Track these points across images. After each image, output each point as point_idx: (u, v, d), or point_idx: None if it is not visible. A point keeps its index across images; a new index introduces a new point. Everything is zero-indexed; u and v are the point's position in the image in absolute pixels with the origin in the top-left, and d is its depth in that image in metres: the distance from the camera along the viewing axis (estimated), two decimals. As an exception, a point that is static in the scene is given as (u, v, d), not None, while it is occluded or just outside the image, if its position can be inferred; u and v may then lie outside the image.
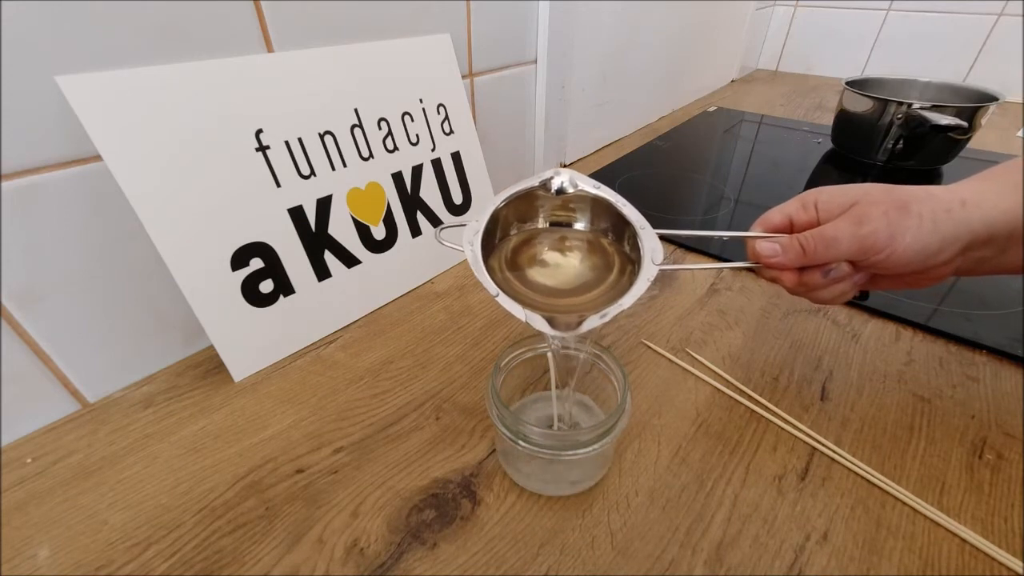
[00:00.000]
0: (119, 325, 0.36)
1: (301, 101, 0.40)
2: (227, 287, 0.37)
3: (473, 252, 0.28)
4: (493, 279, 0.27)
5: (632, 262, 0.29)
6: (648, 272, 0.27)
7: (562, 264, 0.32)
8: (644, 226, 0.29)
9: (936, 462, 0.33)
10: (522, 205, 0.31)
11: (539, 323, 0.26)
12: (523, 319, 0.26)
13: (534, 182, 0.30)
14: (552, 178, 0.30)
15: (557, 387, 0.33)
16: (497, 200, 0.30)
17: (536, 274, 0.30)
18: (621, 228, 0.31)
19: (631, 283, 0.27)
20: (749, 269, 0.33)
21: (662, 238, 0.29)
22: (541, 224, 0.32)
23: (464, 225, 0.29)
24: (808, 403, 0.37)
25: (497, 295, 0.26)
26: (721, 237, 0.34)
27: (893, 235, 0.27)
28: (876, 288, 0.32)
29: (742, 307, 0.47)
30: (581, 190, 0.30)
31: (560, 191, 0.30)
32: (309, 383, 0.39)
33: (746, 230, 0.33)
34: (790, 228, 0.32)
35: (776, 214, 0.32)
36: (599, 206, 0.31)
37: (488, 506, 0.30)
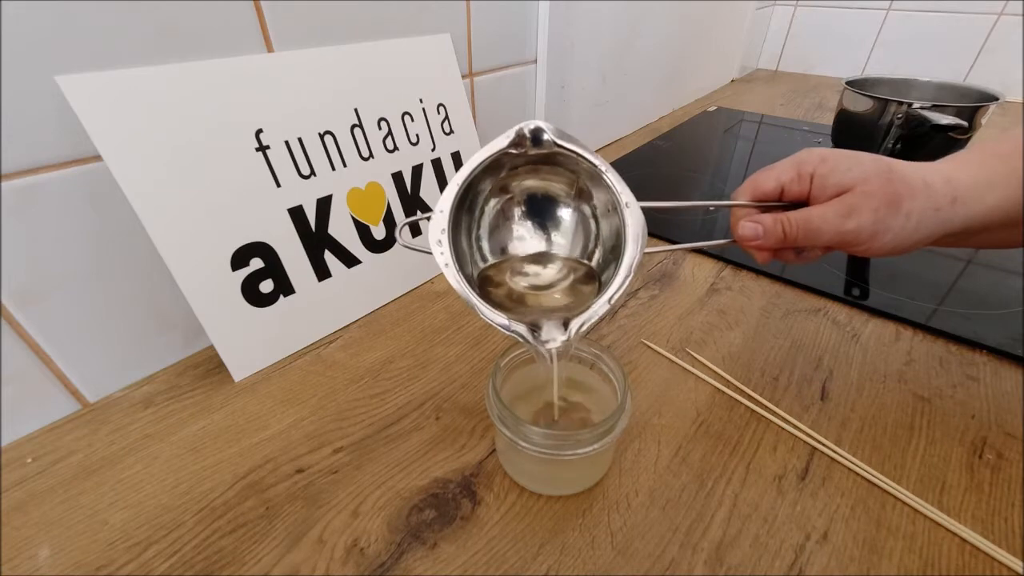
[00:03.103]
0: (119, 325, 0.36)
1: (301, 101, 0.40)
2: (227, 287, 0.37)
3: (444, 258, 0.25)
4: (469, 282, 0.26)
5: (614, 247, 0.28)
6: (630, 263, 0.26)
7: (542, 273, 0.30)
8: (629, 202, 0.27)
9: (936, 462, 0.33)
10: (492, 175, 0.28)
11: (523, 333, 0.25)
12: (505, 331, 0.25)
13: (502, 142, 0.26)
14: (523, 128, 0.26)
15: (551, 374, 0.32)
16: (460, 177, 0.26)
17: (517, 280, 0.30)
18: (602, 196, 0.29)
19: (614, 272, 0.27)
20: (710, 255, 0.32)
21: (649, 212, 0.28)
22: (516, 195, 0.30)
23: (428, 217, 0.26)
24: (808, 403, 0.37)
25: (477, 307, 0.25)
26: (708, 207, 0.32)
27: (876, 233, 0.27)
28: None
29: (742, 307, 0.47)
30: (561, 147, 0.26)
31: (536, 138, 0.26)
32: (309, 383, 0.39)
33: (737, 206, 0.32)
34: (780, 196, 0.31)
35: (769, 181, 0.31)
36: (579, 171, 0.28)
37: (488, 506, 0.30)
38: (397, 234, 0.27)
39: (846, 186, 0.28)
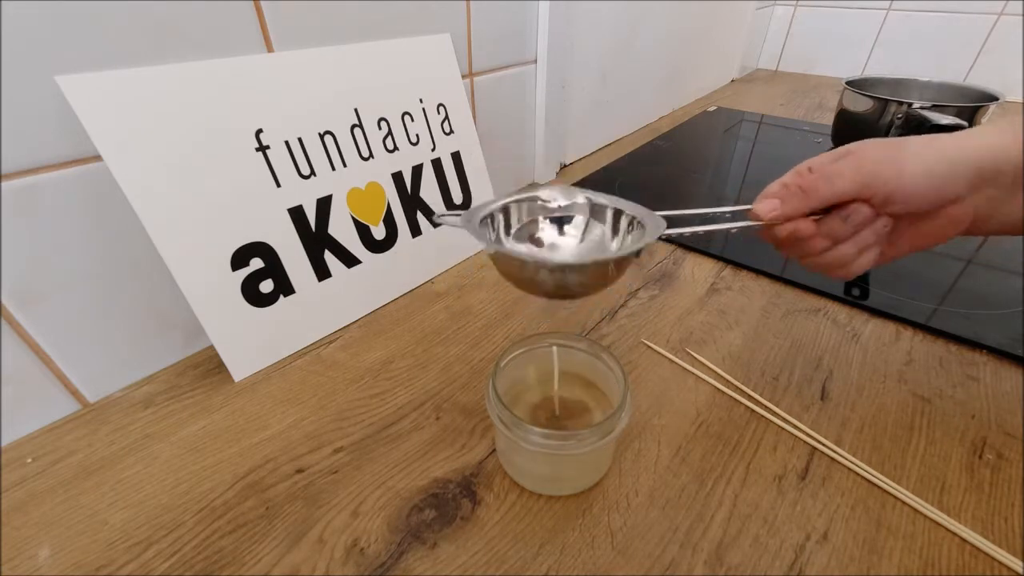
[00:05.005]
0: (119, 325, 0.36)
1: (301, 101, 0.40)
2: (227, 287, 0.37)
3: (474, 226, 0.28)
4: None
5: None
6: (652, 235, 0.27)
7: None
8: (646, 216, 0.30)
9: (936, 462, 0.33)
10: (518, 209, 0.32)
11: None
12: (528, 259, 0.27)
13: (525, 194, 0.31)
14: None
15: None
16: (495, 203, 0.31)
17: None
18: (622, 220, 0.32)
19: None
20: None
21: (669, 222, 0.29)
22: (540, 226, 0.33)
23: (458, 214, 0.30)
24: (808, 403, 0.37)
25: (491, 246, 0.27)
26: (741, 212, 0.30)
27: (898, 166, 0.27)
28: (900, 251, 0.31)
29: (742, 307, 0.47)
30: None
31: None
32: (309, 383, 0.39)
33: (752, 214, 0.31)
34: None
35: (826, 196, 0.28)
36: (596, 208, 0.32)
37: (488, 506, 0.30)
38: (436, 217, 0.31)
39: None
